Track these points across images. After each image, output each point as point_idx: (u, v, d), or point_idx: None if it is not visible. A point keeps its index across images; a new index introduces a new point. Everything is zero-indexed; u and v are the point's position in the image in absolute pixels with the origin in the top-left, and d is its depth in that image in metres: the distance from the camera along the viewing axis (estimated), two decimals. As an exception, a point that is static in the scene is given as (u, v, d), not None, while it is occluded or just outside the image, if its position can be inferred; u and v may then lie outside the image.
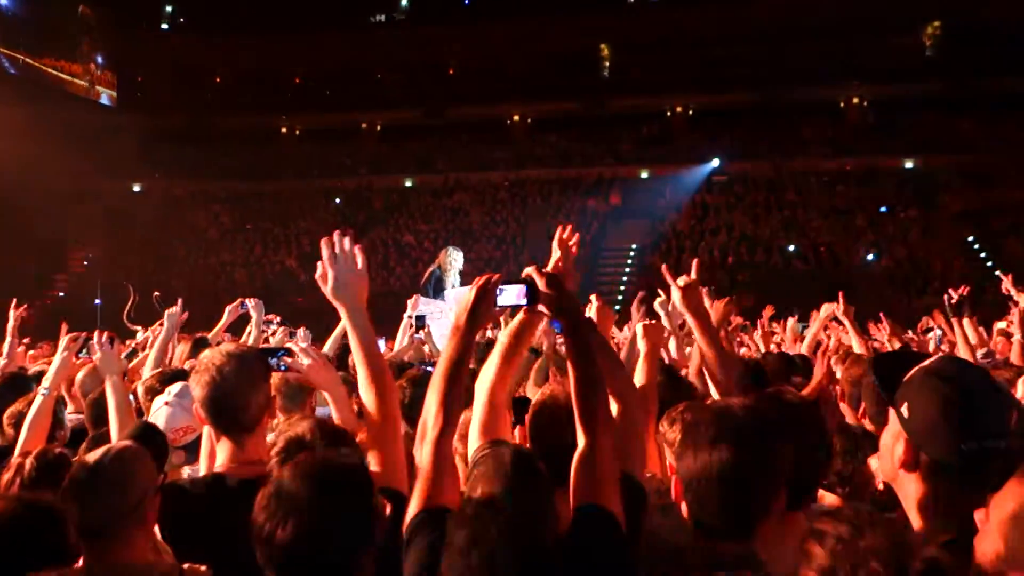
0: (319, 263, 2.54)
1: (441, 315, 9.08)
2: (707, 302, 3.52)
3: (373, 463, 2.41)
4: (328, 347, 6.25)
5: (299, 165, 34.85)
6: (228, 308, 6.66)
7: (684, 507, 1.97)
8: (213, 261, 29.76)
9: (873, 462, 2.46)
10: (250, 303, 6.48)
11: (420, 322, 7.80)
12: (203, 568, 2.29)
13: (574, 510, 2.11)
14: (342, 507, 1.83)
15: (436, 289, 10.04)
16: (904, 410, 1.85)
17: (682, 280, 3.29)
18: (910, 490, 1.84)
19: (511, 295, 2.35)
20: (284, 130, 36.79)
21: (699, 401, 3.08)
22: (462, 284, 10.12)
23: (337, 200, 33.51)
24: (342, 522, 1.82)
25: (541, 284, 2.33)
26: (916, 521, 1.82)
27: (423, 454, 2.20)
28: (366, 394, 2.50)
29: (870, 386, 3.39)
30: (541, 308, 2.36)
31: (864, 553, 1.48)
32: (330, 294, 2.54)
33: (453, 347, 2.30)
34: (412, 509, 2.14)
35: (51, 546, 2.23)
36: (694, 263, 3.50)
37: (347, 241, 2.56)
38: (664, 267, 3.30)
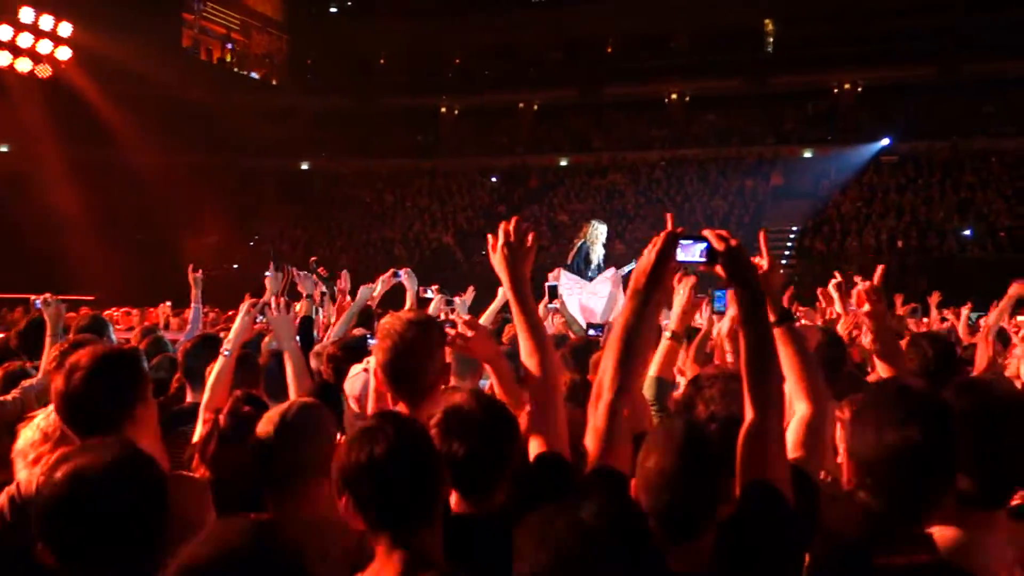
0: (493, 234, 2.68)
1: (576, 292, 9.15)
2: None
3: (537, 429, 2.47)
4: (485, 318, 6.35)
5: (457, 144, 35.49)
6: (382, 278, 6.86)
7: (856, 491, 1.93)
8: (375, 236, 30.79)
9: None
10: (403, 273, 6.66)
11: (553, 292, 7.82)
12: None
13: (741, 486, 2.09)
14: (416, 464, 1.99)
15: (585, 262, 10.12)
16: None
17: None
18: None
19: (692, 251, 2.32)
20: (443, 110, 37.54)
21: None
22: (606, 264, 10.13)
23: (493, 179, 33.95)
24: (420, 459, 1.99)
25: (717, 245, 2.28)
26: None
27: (597, 414, 2.23)
28: (529, 360, 2.57)
29: None
30: (719, 269, 2.31)
31: None
32: (498, 263, 2.67)
33: (631, 309, 2.30)
34: (586, 466, 2.18)
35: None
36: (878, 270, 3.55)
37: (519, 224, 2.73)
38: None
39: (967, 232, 24.43)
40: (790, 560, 2.06)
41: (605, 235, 10.53)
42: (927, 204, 26.05)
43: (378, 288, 6.96)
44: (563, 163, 33.84)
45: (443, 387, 2.74)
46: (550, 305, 7.81)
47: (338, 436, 2.59)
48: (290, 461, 2.42)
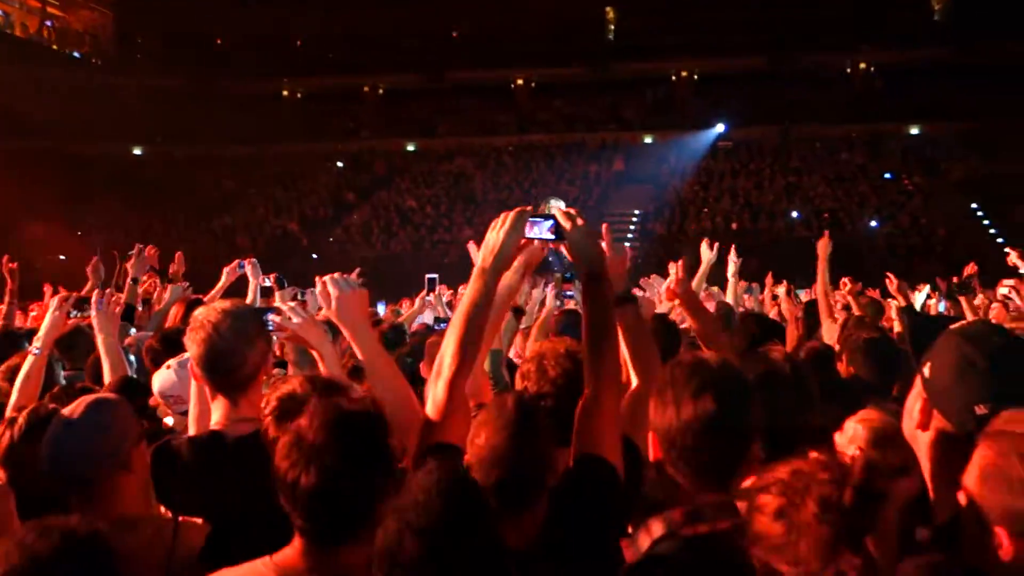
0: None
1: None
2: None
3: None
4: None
5: (301, 129, 34.68)
6: (226, 270, 6.63)
7: (663, 463, 1.95)
8: (215, 224, 29.70)
9: (849, 424, 2.48)
10: (247, 264, 6.44)
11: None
12: (199, 521, 2.30)
13: (574, 458, 2.12)
14: (361, 450, 1.85)
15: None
16: (926, 370, 1.80)
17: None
18: (924, 452, 1.80)
19: (541, 228, 2.35)
20: (286, 93, 36.54)
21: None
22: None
23: (339, 164, 33.39)
24: (362, 464, 1.85)
25: (564, 223, 2.31)
26: (929, 483, 1.78)
27: (436, 391, 2.21)
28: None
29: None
30: (563, 248, 2.35)
31: (808, 481, 1.48)
32: (334, 316, 2.62)
33: (476, 288, 2.29)
34: (419, 440, 2.18)
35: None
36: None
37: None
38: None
39: (795, 214, 25.93)
40: (614, 528, 2.12)
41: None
42: (758, 188, 27.48)
43: (222, 280, 6.71)
44: (410, 148, 33.65)
45: (266, 378, 2.64)
46: (427, 298, 7.71)
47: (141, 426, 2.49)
48: (81, 459, 2.31)
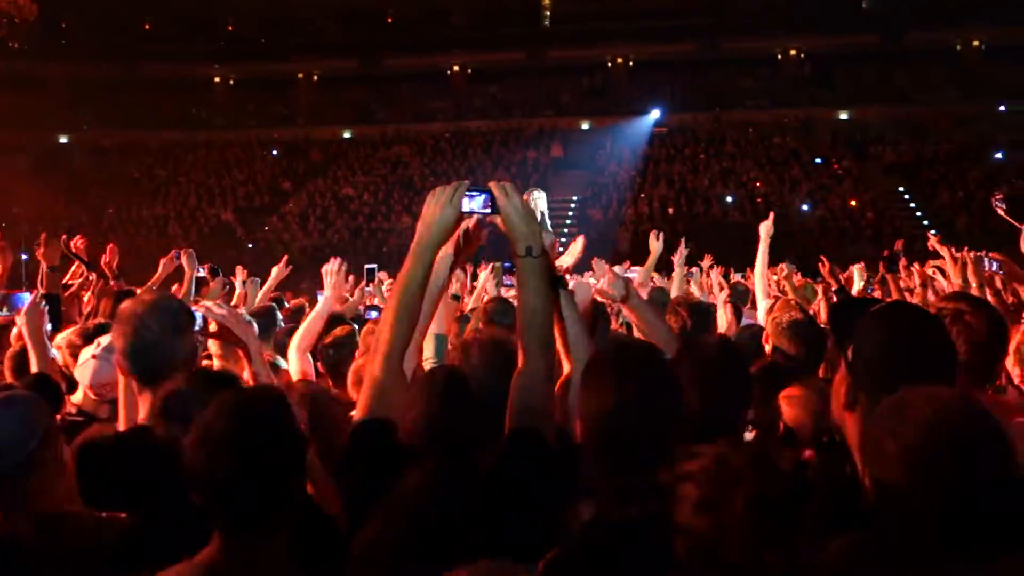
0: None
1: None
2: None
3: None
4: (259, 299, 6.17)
5: (233, 115, 34.03)
6: (163, 261, 6.53)
7: (590, 448, 1.96)
8: (146, 214, 29.02)
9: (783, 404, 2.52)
10: (183, 255, 6.33)
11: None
12: (123, 515, 2.25)
13: (507, 431, 2.12)
14: (268, 435, 1.84)
15: None
16: (850, 352, 1.85)
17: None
18: (851, 431, 1.83)
19: (476, 202, 2.33)
20: (217, 79, 35.80)
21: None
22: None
23: (274, 152, 32.88)
24: (270, 449, 1.84)
25: (499, 197, 2.30)
26: (858, 461, 1.80)
27: (373, 366, 2.21)
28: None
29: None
30: (498, 221, 2.33)
31: (738, 476, 1.47)
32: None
33: (413, 264, 2.28)
34: (357, 416, 2.18)
35: None
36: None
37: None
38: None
39: (729, 198, 26.33)
40: (548, 503, 2.11)
41: (546, 203, 10.00)
42: (693, 173, 27.81)
43: (159, 272, 6.59)
44: (346, 135, 33.27)
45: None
46: (367, 288, 7.64)
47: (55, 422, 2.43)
48: None
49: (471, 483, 1.94)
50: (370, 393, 2.20)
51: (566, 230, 26.38)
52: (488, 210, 2.33)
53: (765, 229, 6.23)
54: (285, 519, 1.84)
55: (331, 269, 4.55)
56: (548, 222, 9.57)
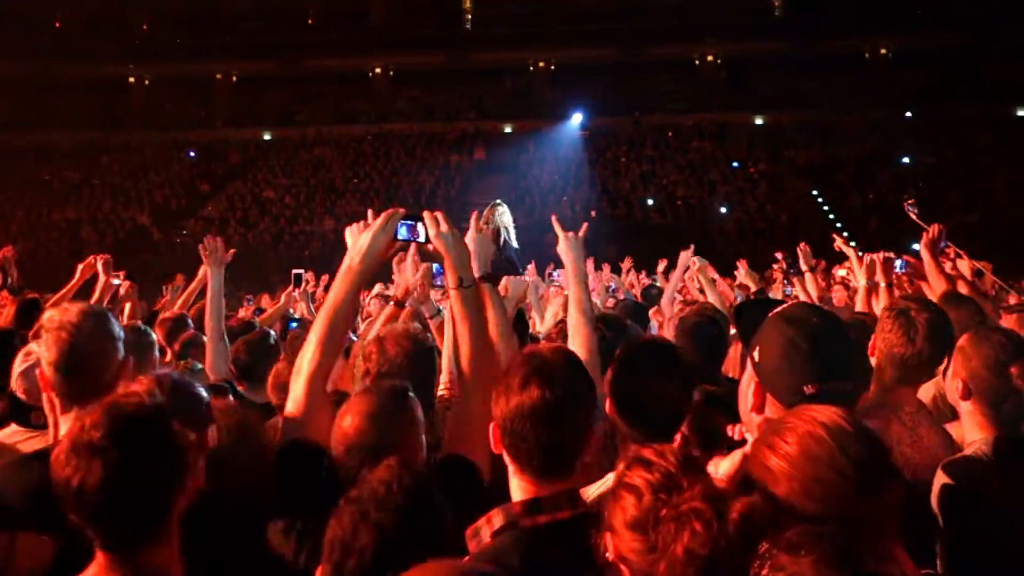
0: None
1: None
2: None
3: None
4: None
5: (149, 116, 33.18)
6: (80, 267, 6.33)
7: (504, 454, 1.94)
8: (57, 218, 28.08)
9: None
10: (99, 261, 6.17)
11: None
12: (44, 537, 2.18)
13: (440, 458, 2.20)
14: (142, 443, 1.74)
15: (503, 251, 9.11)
16: (756, 354, 1.87)
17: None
18: (758, 432, 1.80)
19: (408, 230, 2.40)
20: (132, 80, 34.85)
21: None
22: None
23: (191, 153, 32.16)
24: (146, 458, 1.74)
25: (431, 226, 2.38)
26: None
27: (297, 387, 2.25)
28: None
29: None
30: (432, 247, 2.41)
31: (686, 511, 1.43)
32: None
33: (343, 288, 2.33)
34: (282, 438, 2.21)
35: None
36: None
37: None
38: None
39: (650, 201, 26.77)
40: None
41: (509, 218, 9.53)
42: (615, 176, 28.18)
43: (75, 279, 6.37)
44: (266, 137, 32.76)
45: (125, 384, 2.52)
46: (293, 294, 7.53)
47: None
48: None
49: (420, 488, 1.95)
50: (295, 414, 2.23)
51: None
52: (422, 238, 2.41)
53: (684, 257, 6.46)
54: (167, 529, 1.77)
55: (214, 247, 4.62)
56: (512, 235, 9.35)
